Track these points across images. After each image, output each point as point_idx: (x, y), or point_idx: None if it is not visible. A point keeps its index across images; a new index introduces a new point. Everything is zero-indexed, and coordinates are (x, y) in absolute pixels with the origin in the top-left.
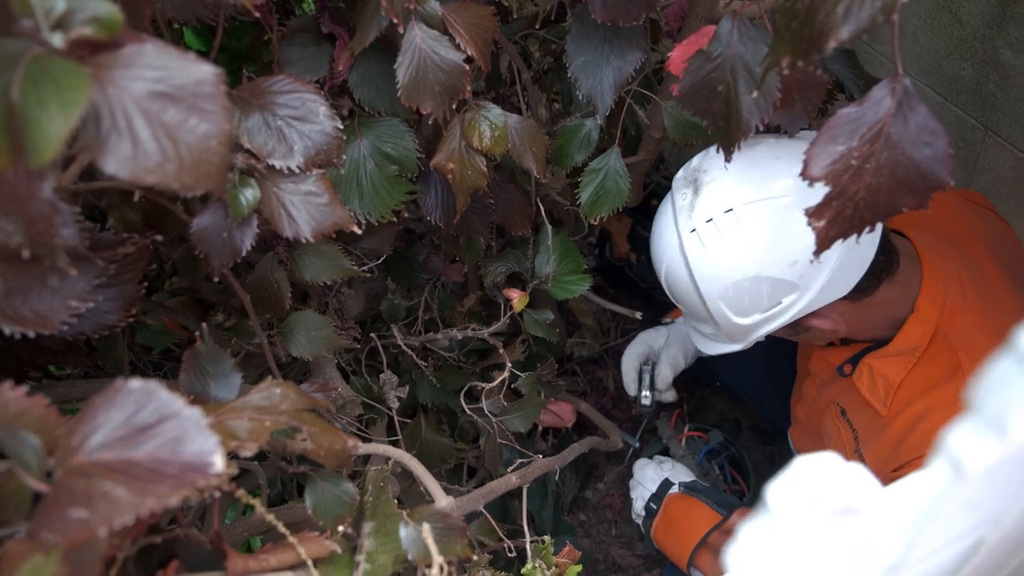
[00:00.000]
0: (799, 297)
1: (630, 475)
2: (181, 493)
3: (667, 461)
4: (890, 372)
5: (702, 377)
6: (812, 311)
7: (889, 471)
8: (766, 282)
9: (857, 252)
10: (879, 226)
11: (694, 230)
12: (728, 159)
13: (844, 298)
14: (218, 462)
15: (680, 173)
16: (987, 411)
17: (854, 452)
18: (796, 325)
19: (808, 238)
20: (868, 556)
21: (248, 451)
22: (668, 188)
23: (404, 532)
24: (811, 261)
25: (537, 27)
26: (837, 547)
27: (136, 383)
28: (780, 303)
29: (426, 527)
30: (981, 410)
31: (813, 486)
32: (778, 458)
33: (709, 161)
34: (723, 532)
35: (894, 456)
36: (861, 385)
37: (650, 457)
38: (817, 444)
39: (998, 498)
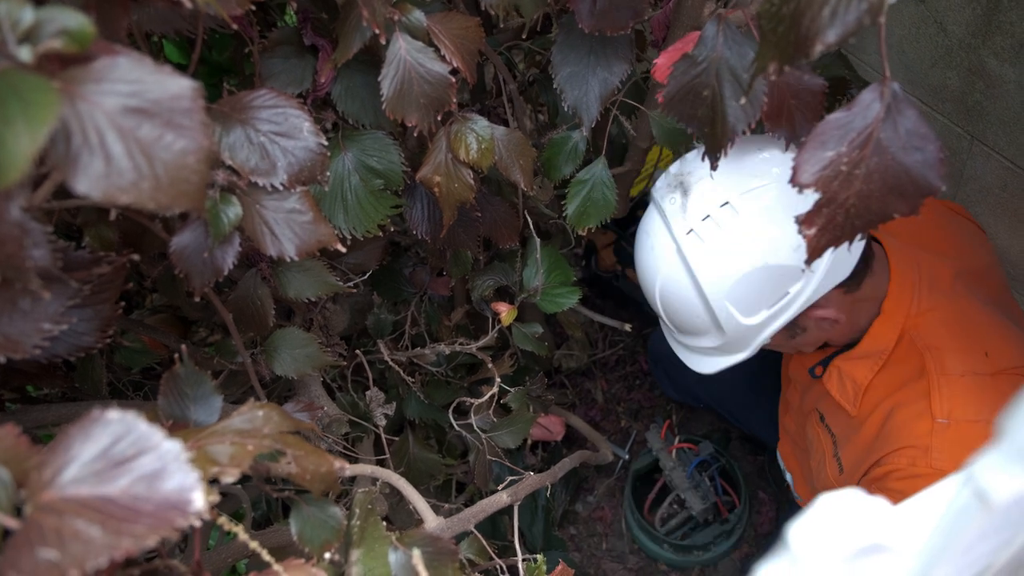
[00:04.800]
0: (806, 283)
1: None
2: (159, 533)
3: None
4: (858, 374)
5: (686, 401)
6: (814, 302)
7: (864, 468)
8: (773, 271)
9: None
10: None
11: (691, 231)
12: (714, 166)
13: (839, 287)
14: (198, 500)
15: (660, 182)
16: (1015, 443)
17: (833, 456)
18: (793, 326)
19: None
20: None
21: (230, 477)
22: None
23: (393, 557)
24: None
25: (523, 38)
26: None
27: (114, 414)
28: (787, 293)
29: (416, 553)
30: (1009, 442)
31: (837, 525)
32: (768, 469)
33: (691, 164)
34: None
35: (868, 455)
36: (831, 387)
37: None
38: (804, 458)
39: (1016, 525)
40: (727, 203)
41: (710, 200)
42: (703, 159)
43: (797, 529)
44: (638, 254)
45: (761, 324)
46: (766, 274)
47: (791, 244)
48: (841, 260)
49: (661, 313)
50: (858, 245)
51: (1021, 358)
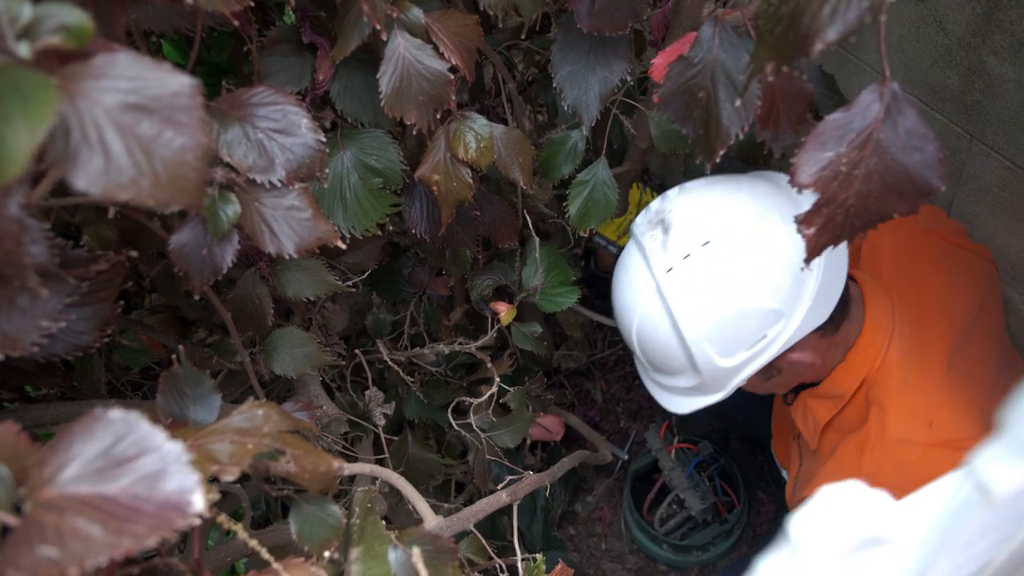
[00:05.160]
0: (784, 327)
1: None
2: (159, 534)
3: None
4: (819, 412)
5: None
6: (792, 345)
7: (797, 499)
8: (752, 313)
9: (832, 274)
10: (846, 252)
11: (671, 269)
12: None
13: (817, 331)
14: (197, 502)
15: (640, 219)
16: (1017, 437)
17: (793, 478)
18: (769, 368)
19: (789, 264)
20: None
21: (230, 475)
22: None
23: (393, 556)
24: (793, 283)
25: (522, 38)
26: None
27: (116, 413)
28: (765, 336)
29: (416, 551)
30: (1011, 436)
31: (838, 517)
32: (768, 469)
33: (671, 201)
34: None
35: (804, 488)
36: (797, 418)
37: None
38: (791, 462)
39: (1016, 521)
40: (708, 242)
41: (691, 239)
42: (684, 193)
43: (798, 520)
44: (616, 290)
45: (738, 366)
46: (745, 316)
47: (771, 287)
48: (820, 305)
49: (637, 351)
50: (837, 292)
51: (965, 430)
